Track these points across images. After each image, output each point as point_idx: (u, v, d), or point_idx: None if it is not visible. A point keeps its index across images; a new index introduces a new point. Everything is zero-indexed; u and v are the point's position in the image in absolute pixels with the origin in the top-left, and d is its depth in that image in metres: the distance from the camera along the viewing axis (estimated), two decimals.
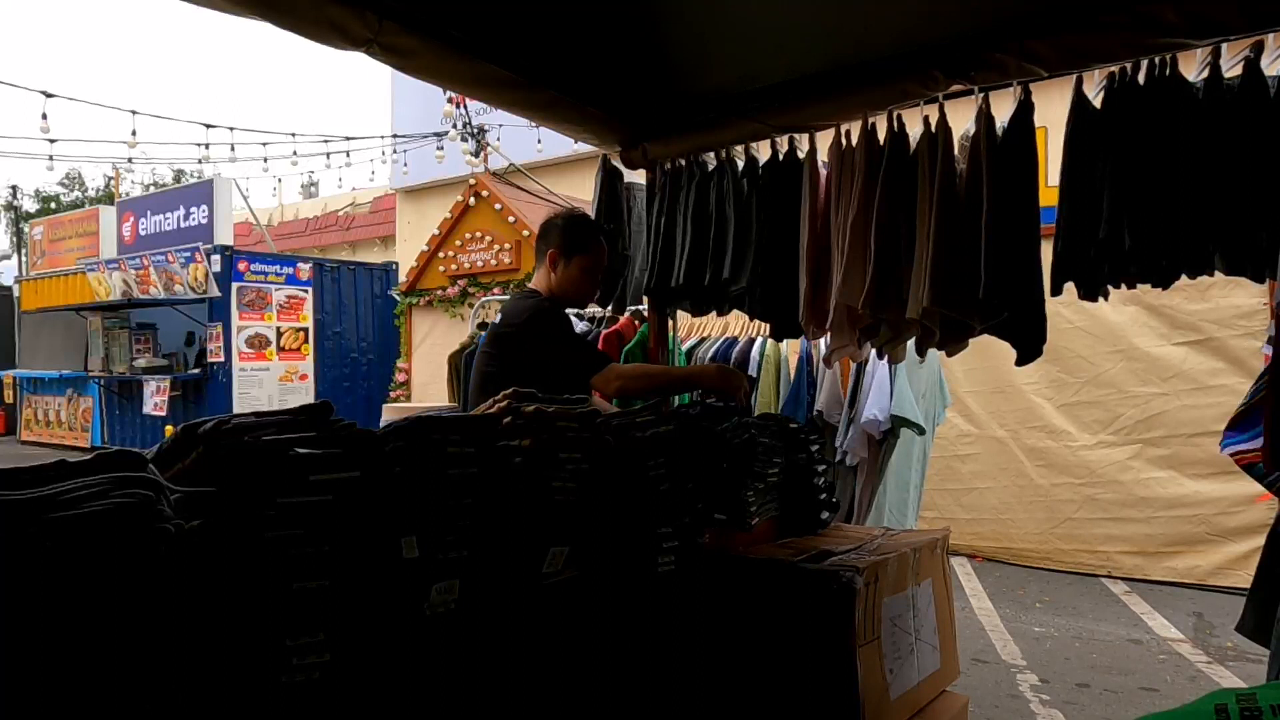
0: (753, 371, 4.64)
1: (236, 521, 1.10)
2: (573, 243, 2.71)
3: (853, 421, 4.16)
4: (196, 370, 10.64)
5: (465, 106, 9.47)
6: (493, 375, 2.55)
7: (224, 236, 11.17)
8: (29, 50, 58.22)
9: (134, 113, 9.00)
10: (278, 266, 10.52)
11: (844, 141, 2.59)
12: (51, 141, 8.96)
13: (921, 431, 4.19)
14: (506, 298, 5.33)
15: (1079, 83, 2.21)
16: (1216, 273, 2.13)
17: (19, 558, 0.90)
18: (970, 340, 2.44)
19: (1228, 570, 5.29)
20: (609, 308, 3.45)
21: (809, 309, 2.65)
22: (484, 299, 7.27)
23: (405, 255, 12.05)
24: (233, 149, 10.46)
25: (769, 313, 2.85)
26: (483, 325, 5.09)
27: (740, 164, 2.91)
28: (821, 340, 3.28)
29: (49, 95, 8.15)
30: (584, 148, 3.86)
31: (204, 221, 11.45)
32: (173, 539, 1.00)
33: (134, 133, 9.16)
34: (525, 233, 8.21)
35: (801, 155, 2.73)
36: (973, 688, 3.65)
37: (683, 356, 4.62)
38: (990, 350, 2.40)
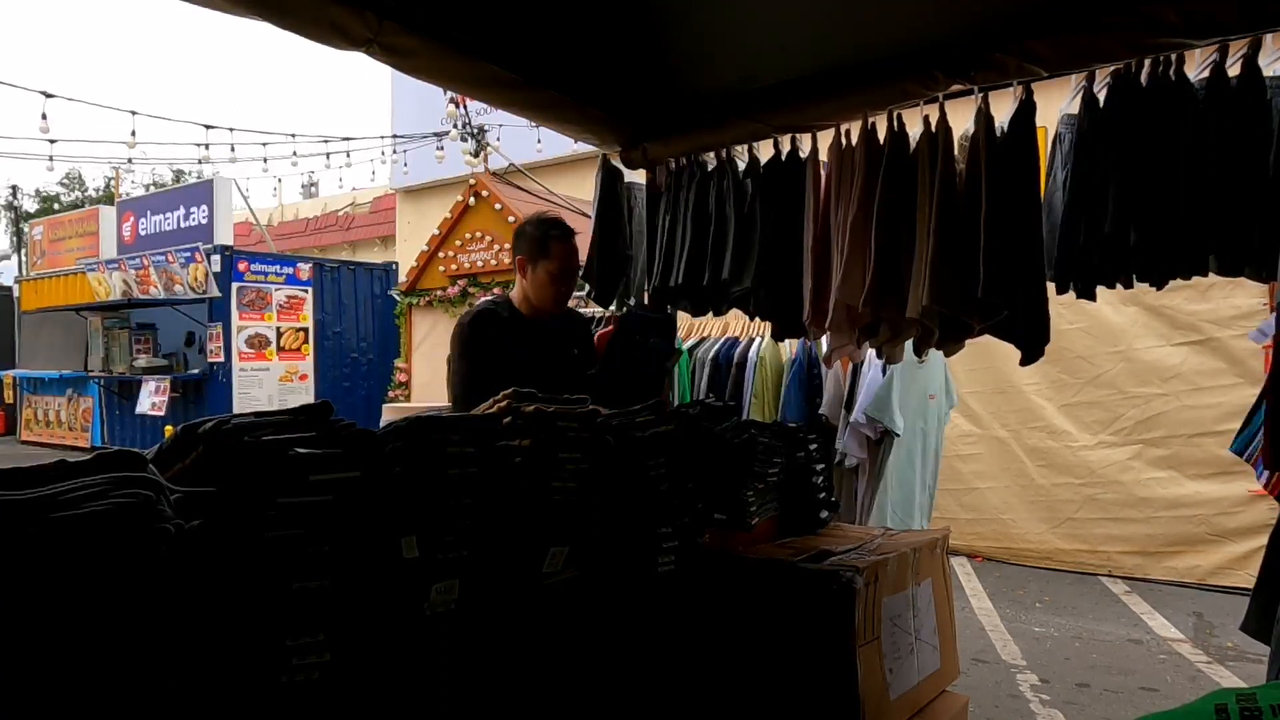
0: (749, 372, 4.65)
1: (236, 521, 1.10)
2: (536, 249, 2.69)
3: (849, 423, 4.18)
4: (196, 371, 10.65)
5: (465, 106, 9.47)
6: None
7: (224, 236, 11.17)
8: (29, 50, 58.25)
9: (134, 113, 9.02)
10: (278, 266, 10.52)
11: (844, 141, 2.59)
12: (51, 141, 8.98)
13: (896, 434, 4.18)
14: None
15: (1090, 80, 2.21)
16: (1219, 272, 2.13)
17: (19, 558, 0.90)
18: (971, 341, 2.44)
19: (1228, 570, 5.29)
20: (609, 307, 3.44)
21: (812, 308, 2.65)
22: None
23: (405, 255, 12.05)
24: (233, 149, 10.48)
25: (772, 313, 2.84)
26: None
27: (741, 164, 2.91)
28: (823, 340, 3.29)
29: (49, 95, 8.16)
30: (584, 148, 3.86)
31: (204, 221, 11.44)
32: (173, 539, 1.00)
33: (134, 133, 9.18)
34: None
35: (803, 154, 2.73)
36: (973, 688, 3.64)
37: (685, 356, 4.61)
38: (992, 351, 2.41)
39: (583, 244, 3.07)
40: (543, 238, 2.70)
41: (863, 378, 4.15)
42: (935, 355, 2.90)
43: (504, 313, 2.74)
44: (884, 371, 4.00)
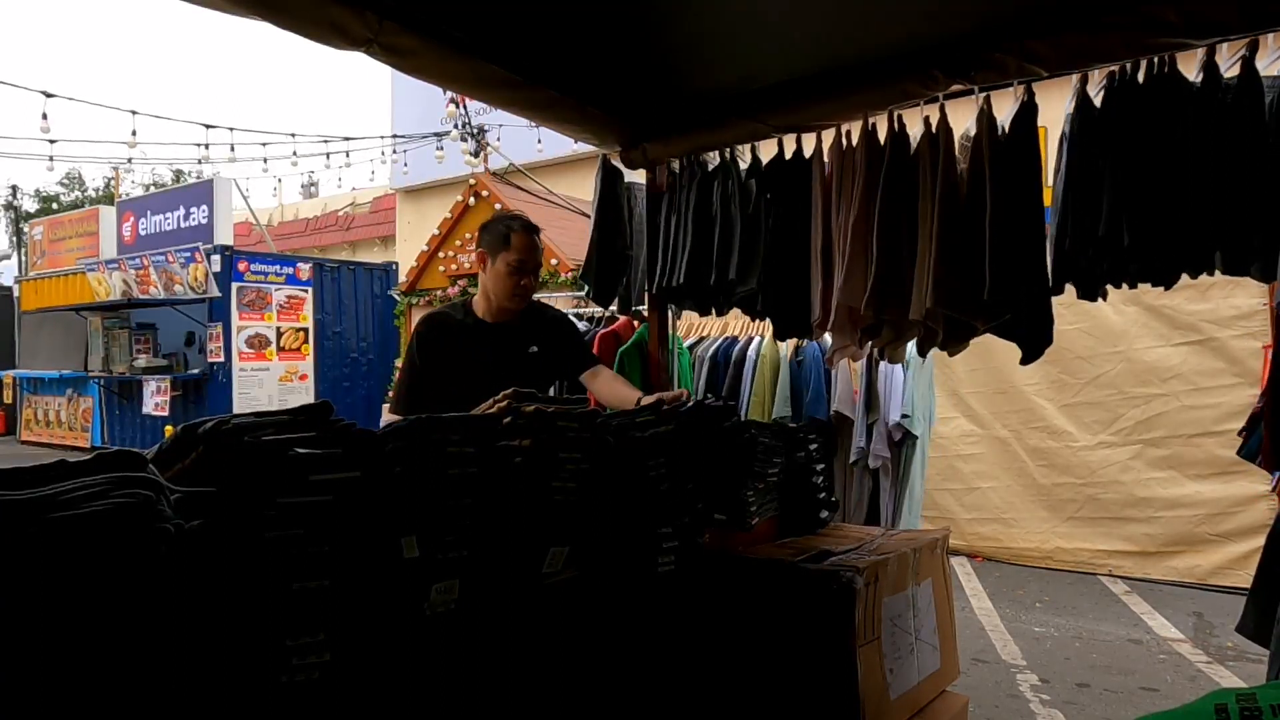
0: (747, 370, 4.65)
1: (236, 521, 1.10)
2: (497, 241, 2.68)
3: (873, 424, 4.14)
4: (196, 371, 10.65)
5: (465, 106, 9.47)
6: None
7: (224, 236, 11.17)
8: (29, 50, 58.24)
9: (134, 113, 9.02)
10: (278, 266, 10.52)
11: (844, 142, 2.58)
12: (51, 141, 8.98)
13: (915, 435, 4.19)
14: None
15: (1084, 81, 2.21)
16: (1217, 272, 2.13)
17: (19, 558, 0.90)
18: (972, 341, 2.44)
19: (1228, 570, 5.29)
20: (610, 308, 3.44)
21: (822, 310, 2.63)
22: None
23: (405, 255, 12.06)
24: (233, 149, 10.47)
25: (776, 312, 2.82)
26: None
27: (744, 164, 2.90)
28: (826, 338, 3.28)
29: (49, 95, 8.16)
30: (584, 148, 3.87)
31: (204, 221, 11.45)
32: (173, 539, 1.00)
33: (134, 133, 9.18)
34: None
35: (807, 154, 2.73)
36: (973, 688, 3.64)
37: (685, 354, 4.62)
38: (993, 351, 2.41)
39: (583, 244, 3.08)
40: (505, 230, 2.69)
41: (883, 378, 4.11)
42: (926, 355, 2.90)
43: (458, 315, 2.73)
44: (904, 371, 3.98)
